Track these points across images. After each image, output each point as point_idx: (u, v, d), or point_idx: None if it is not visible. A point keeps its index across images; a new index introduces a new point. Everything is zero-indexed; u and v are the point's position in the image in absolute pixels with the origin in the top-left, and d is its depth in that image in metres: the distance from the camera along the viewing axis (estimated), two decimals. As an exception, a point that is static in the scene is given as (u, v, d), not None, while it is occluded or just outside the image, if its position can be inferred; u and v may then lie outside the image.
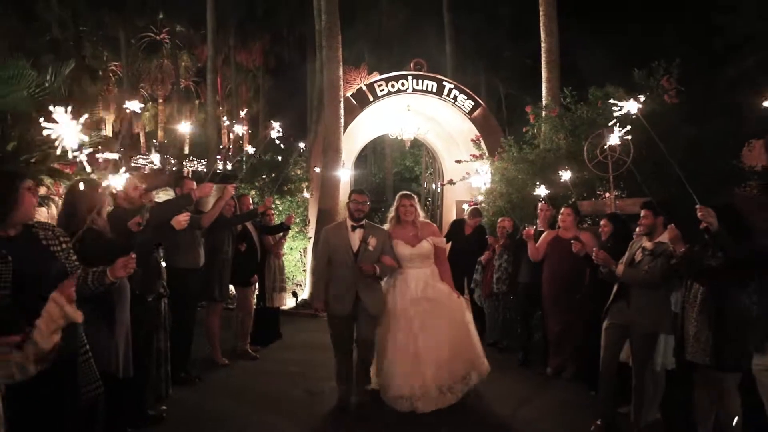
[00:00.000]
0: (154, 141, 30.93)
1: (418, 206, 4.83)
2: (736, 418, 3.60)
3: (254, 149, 7.30)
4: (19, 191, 2.61)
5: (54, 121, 2.47)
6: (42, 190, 7.17)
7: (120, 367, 3.46)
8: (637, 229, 4.33)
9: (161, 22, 27.42)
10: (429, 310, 4.59)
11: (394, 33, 20.11)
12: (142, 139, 34.35)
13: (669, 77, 6.64)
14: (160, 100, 31.14)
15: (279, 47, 25.46)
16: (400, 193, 5.00)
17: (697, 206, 3.38)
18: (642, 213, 4.21)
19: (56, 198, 8.09)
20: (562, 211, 5.65)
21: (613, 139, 4.80)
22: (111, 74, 29.20)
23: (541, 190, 6.27)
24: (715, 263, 3.59)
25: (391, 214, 4.89)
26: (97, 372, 2.86)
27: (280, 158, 11.41)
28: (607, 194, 6.53)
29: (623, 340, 4.33)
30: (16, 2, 16.41)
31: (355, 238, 4.53)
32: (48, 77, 12.16)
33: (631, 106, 4.00)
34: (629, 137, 5.40)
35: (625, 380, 4.38)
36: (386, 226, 4.87)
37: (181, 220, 4.44)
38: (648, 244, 4.14)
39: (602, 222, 4.96)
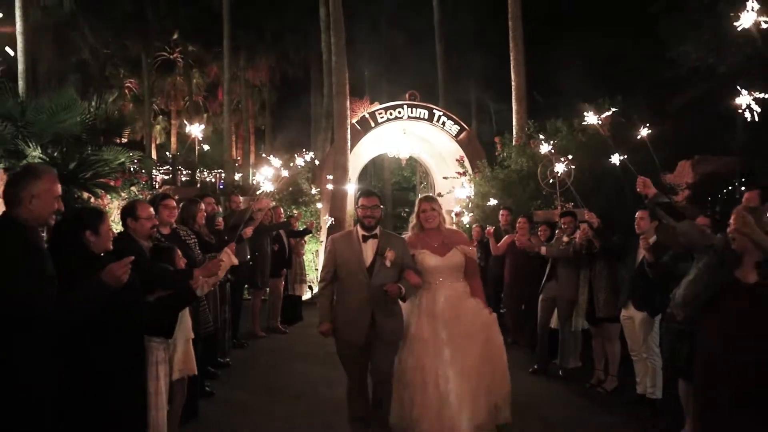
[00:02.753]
0: (167, 153, 32.73)
1: (442, 210, 4.18)
2: (617, 357, 5.45)
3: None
4: (159, 206, 4.41)
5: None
6: (93, 201, 9.18)
7: (211, 320, 5.29)
8: (564, 229, 6.19)
9: (175, 43, 29.30)
10: (461, 334, 3.88)
11: (392, 56, 22.10)
12: (154, 151, 36.26)
13: (605, 116, 8.52)
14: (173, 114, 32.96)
15: (284, 65, 27.38)
16: (421, 196, 4.50)
17: (585, 210, 5.28)
18: (563, 220, 6.08)
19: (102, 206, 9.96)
20: (519, 220, 7.43)
21: (559, 167, 6.71)
22: (127, 91, 31.09)
23: (492, 201, 8.15)
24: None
25: (413, 221, 4.25)
26: (210, 316, 4.68)
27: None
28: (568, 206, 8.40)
29: (553, 309, 6.19)
30: (55, 32, 18.29)
31: (368, 250, 3.82)
32: (93, 104, 14.23)
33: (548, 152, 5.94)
34: (569, 163, 7.33)
35: (555, 341, 6.24)
36: (407, 235, 4.27)
37: (248, 232, 6.20)
38: (565, 239, 5.99)
39: (540, 228, 6.81)
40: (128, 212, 3.56)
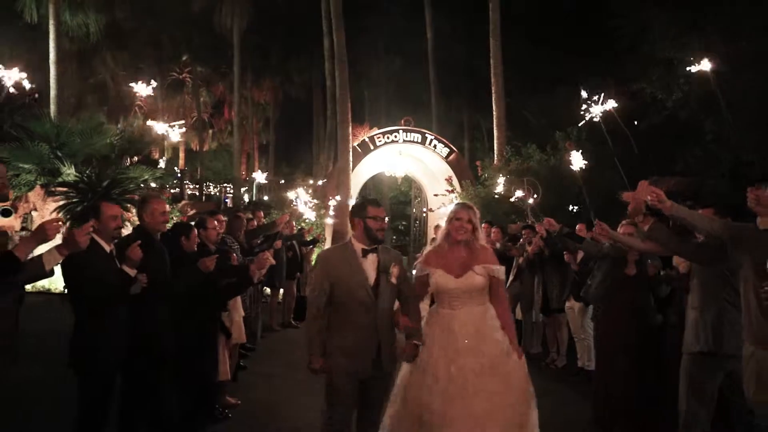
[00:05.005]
0: (175, 168, 34.21)
1: (478, 223, 3.47)
2: (565, 340, 6.89)
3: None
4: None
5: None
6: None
7: (249, 306, 6.70)
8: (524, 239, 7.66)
9: (184, 63, 30.94)
10: (477, 370, 3.24)
11: (390, 80, 23.75)
12: (163, 166, 37.75)
13: (570, 142, 10.06)
14: (182, 131, 34.52)
15: (288, 86, 29.07)
16: (458, 202, 3.75)
17: (536, 224, 6.73)
18: (523, 232, 7.55)
19: (129, 221, 11.42)
20: (492, 229, 8.88)
21: (518, 193, 8.22)
22: (137, 109, 32.69)
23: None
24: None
25: (441, 230, 3.66)
26: (248, 303, 6.12)
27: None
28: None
29: (516, 304, 7.62)
30: (78, 58, 19.87)
31: (369, 266, 3.29)
32: (118, 126, 15.85)
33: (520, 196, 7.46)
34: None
35: (519, 330, 7.68)
36: (426, 249, 3.84)
37: (278, 243, 7.59)
38: (528, 247, 7.46)
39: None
40: (201, 225, 5.01)
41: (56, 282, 11.19)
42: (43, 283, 11.09)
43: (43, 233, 2.37)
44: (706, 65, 8.20)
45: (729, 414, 3.67)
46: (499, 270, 3.49)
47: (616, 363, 4.59)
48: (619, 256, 4.70)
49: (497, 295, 3.50)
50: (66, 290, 3.32)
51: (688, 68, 8.23)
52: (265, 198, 24.28)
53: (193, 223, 5.12)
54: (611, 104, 7.96)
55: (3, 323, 2.73)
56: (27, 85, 10.76)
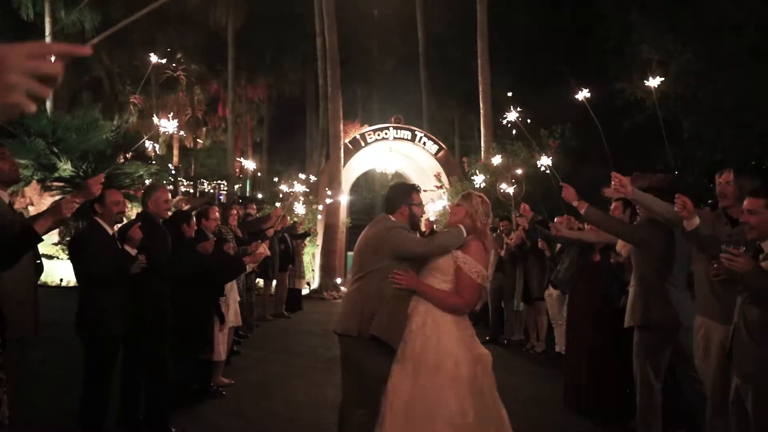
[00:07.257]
0: (169, 165, 34.36)
1: (459, 209, 3.30)
2: (544, 326, 7.25)
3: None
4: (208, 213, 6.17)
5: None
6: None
7: (244, 294, 7.00)
8: (501, 231, 8.02)
9: (179, 61, 31.11)
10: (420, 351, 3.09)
11: (382, 78, 24.07)
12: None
13: (554, 139, 10.42)
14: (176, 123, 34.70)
15: (282, 84, 29.32)
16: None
17: (518, 216, 7.08)
18: (501, 224, 7.90)
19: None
20: (478, 224, 9.26)
21: (503, 186, 8.55)
22: (131, 106, 32.82)
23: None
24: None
25: None
26: (243, 291, 6.42)
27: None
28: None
29: (500, 294, 7.97)
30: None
31: None
32: (114, 122, 16.08)
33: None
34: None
35: (502, 320, 8.03)
36: None
37: (270, 232, 7.90)
38: (505, 238, 7.81)
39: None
40: (202, 215, 5.32)
41: (52, 276, 11.47)
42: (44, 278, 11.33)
43: (59, 211, 2.67)
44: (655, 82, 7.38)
45: (679, 384, 3.99)
46: (470, 263, 3.13)
47: (582, 344, 4.93)
48: (589, 245, 5.04)
49: (458, 286, 3.16)
50: (73, 269, 3.62)
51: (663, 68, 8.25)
52: (259, 196, 24.55)
53: (194, 212, 5.42)
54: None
55: (24, 293, 3.00)
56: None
